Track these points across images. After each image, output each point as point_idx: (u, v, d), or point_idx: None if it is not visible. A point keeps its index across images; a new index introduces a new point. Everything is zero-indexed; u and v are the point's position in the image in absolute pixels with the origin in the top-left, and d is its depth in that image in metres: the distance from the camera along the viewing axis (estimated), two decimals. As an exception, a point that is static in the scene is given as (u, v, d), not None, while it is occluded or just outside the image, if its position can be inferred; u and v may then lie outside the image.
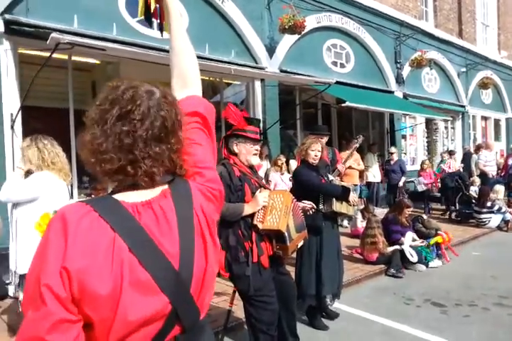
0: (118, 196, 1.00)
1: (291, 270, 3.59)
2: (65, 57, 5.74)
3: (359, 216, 7.19)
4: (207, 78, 7.62)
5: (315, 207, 3.42)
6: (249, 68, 6.93)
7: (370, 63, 10.34)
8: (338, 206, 3.68)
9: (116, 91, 1.01)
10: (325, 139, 4.48)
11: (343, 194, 3.67)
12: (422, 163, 10.31)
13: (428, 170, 10.03)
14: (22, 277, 2.86)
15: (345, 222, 8.15)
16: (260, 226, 2.74)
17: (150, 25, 1.55)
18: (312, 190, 3.68)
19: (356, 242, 6.35)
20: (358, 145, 4.30)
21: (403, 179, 9.35)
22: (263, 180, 3.26)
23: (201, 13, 6.98)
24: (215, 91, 7.92)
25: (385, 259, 5.53)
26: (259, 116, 7.93)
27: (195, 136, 1.15)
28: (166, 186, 1.04)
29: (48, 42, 4.07)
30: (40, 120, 6.63)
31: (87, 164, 1.02)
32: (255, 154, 2.96)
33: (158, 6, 1.42)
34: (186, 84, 1.25)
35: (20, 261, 2.85)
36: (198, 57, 5.35)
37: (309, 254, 3.76)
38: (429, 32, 11.99)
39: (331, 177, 3.94)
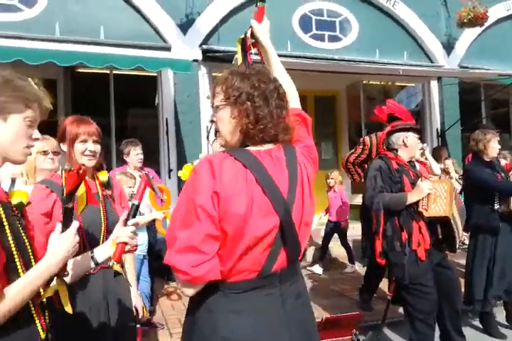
0: (246, 148, 1.35)
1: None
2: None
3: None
4: (378, 83, 7.64)
5: None
6: (422, 67, 6.71)
7: None
8: (517, 205, 3.34)
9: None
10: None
11: (524, 192, 3.32)
12: None
13: None
14: None
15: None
16: (425, 213, 2.81)
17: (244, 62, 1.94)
18: (486, 188, 3.46)
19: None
20: None
21: None
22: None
23: (370, 19, 7.12)
24: (387, 95, 7.86)
25: None
26: (436, 117, 7.55)
27: (298, 126, 1.53)
28: (281, 145, 1.38)
29: (232, 62, 4.83)
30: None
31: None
32: None
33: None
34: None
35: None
36: (368, 62, 5.49)
37: (482, 257, 3.52)
38: None
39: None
